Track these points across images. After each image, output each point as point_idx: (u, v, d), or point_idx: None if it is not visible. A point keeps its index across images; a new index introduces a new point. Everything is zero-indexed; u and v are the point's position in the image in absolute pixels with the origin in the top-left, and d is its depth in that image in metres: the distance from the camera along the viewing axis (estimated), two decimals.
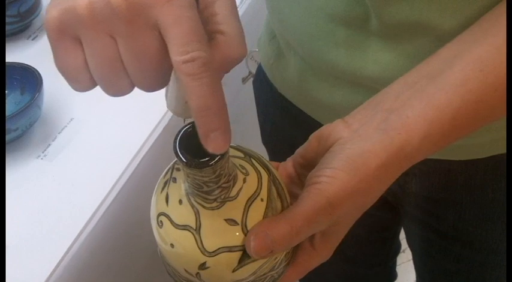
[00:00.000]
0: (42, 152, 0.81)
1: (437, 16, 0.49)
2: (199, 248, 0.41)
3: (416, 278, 0.89)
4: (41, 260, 0.68)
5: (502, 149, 0.61)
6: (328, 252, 0.45)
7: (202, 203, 0.40)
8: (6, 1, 0.92)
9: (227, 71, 0.39)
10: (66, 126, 0.84)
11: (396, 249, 0.96)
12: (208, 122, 0.35)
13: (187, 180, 0.40)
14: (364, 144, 0.41)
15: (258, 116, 0.83)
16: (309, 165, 0.45)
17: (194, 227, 0.41)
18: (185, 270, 0.42)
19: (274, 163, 0.48)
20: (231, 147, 0.41)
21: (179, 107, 0.39)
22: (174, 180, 0.43)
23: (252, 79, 0.83)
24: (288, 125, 0.75)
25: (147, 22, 0.34)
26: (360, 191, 0.41)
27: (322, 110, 0.65)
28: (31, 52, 0.95)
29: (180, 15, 0.34)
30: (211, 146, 0.36)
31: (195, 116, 0.35)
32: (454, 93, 0.42)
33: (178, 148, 0.38)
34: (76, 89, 0.38)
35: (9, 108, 0.83)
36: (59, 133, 0.83)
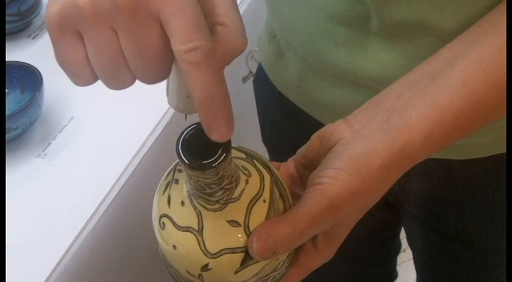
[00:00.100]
0: (43, 151, 0.81)
1: (437, 16, 0.49)
2: (201, 250, 0.41)
3: (417, 277, 0.89)
4: (41, 260, 0.68)
5: (502, 148, 0.61)
6: (331, 253, 0.45)
7: (205, 204, 0.40)
8: (7, 0, 0.92)
9: (228, 63, 0.39)
10: (66, 125, 0.84)
11: (396, 249, 0.96)
12: (212, 111, 0.35)
13: (190, 181, 0.40)
14: (366, 145, 0.41)
15: (258, 115, 0.83)
16: (310, 166, 0.45)
17: (196, 229, 0.41)
18: (187, 271, 0.42)
19: (276, 163, 0.48)
20: (233, 148, 0.41)
21: (180, 102, 0.39)
22: (176, 181, 0.42)
23: (252, 78, 0.83)
24: (288, 125, 0.75)
25: (149, 14, 0.34)
26: (362, 191, 0.41)
27: (323, 109, 0.64)
28: (31, 51, 0.95)
29: (181, 5, 0.34)
30: (215, 134, 0.36)
31: (198, 105, 0.35)
32: (456, 94, 0.42)
33: (181, 150, 0.38)
34: (77, 84, 0.38)
35: (10, 107, 0.83)
36: (59, 132, 0.83)
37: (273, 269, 0.43)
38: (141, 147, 0.80)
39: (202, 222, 0.41)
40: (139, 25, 0.34)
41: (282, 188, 0.44)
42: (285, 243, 0.40)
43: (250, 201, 0.41)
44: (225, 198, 0.40)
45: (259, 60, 0.77)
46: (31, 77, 0.82)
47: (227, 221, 0.41)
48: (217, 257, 0.41)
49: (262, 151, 0.80)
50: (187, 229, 0.41)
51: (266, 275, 0.43)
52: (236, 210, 0.41)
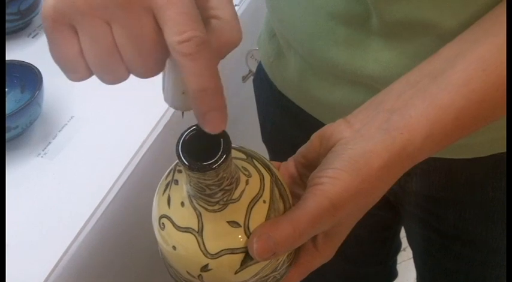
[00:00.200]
0: (42, 150, 0.80)
1: (437, 15, 0.49)
2: (201, 250, 0.41)
3: (417, 276, 0.89)
4: (40, 259, 0.68)
5: (502, 147, 0.61)
6: (331, 253, 0.45)
7: (205, 205, 0.40)
8: None
9: (222, 57, 0.39)
10: (66, 124, 0.84)
11: (397, 248, 0.96)
12: (205, 102, 0.35)
13: (190, 183, 0.40)
14: (366, 145, 0.41)
15: (258, 114, 0.83)
16: (311, 166, 0.45)
17: (196, 230, 0.41)
18: (187, 272, 0.42)
19: (276, 163, 0.48)
20: (233, 148, 0.41)
21: (176, 98, 0.39)
22: (176, 182, 0.42)
23: (252, 77, 0.83)
24: (288, 124, 0.74)
25: (142, 6, 0.34)
26: (362, 191, 0.41)
27: (323, 108, 0.64)
28: (31, 50, 0.95)
29: None
30: (208, 126, 0.36)
31: (192, 96, 0.35)
32: (457, 93, 0.42)
33: (181, 152, 0.38)
34: (72, 79, 0.38)
35: (9, 106, 0.83)
36: (59, 131, 0.83)
37: (273, 269, 0.43)
38: (141, 147, 0.80)
39: (202, 223, 0.41)
40: (133, 17, 0.35)
41: (282, 188, 0.44)
42: (285, 243, 0.40)
43: (250, 202, 0.41)
44: (225, 199, 0.40)
45: (259, 59, 0.77)
46: (31, 76, 0.82)
47: (227, 222, 0.41)
48: (217, 257, 0.41)
49: (262, 150, 0.80)
50: (187, 230, 0.41)
51: (266, 275, 0.43)
52: (236, 211, 0.41)
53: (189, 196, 0.41)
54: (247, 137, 0.86)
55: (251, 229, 0.41)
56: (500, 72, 0.42)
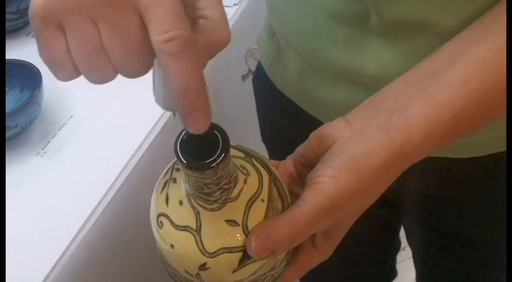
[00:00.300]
0: (42, 150, 0.80)
1: (437, 14, 0.49)
2: (199, 249, 0.41)
3: (416, 276, 0.89)
4: (40, 258, 0.68)
5: (502, 147, 0.61)
6: (329, 252, 0.45)
7: (203, 204, 0.40)
8: None
9: (211, 57, 0.39)
10: (65, 123, 0.84)
11: (396, 247, 0.96)
12: (189, 102, 0.35)
13: (188, 181, 0.40)
14: (366, 144, 0.41)
15: (258, 114, 0.83)
16: (309, 165, 0.45)
17: (194, 228, 0.41)
18: (185, 270, 0.42)
19: (274, 162, 0.48)
20: (232, 147, 0.41)
21: (167, 99, 0.39)
22: (174, 180, 0.42)
23: (251, 76, 0.83)
24: (287, 124, 0.74)
25: (128, 5, 0.34)
26: (361, 191, 0.41)
27: (322, 108, 0.64)
28: (30, 49, 0.95)
29: None
30: (191, 126, 0.36)
31: (175, 96, 0.35)
32: (456, 93, 0.42)
33: (179, 150, 0.37)
34: (60, 78, 0.38)
35: (9, 105, 0.83)
36: (58, 130, 0.83)
37: (271, 268, 0.43)
38: (140, 146, 0.80)
39: (200, 222, 0.41)
40: (120, 16, 0.35)
41: (281, 187, 0.44)
42: (284, 243, 0.40)
43: (248, 201, 0.41)
44: (223, 198, 0.40)
45: (259, 59, 0.77)
46: (30, 75, 0.82)
47: (225, 221, 0.41)
48: (215, 256, 0.41)
49: (262, 150, 0.80)
50: (185, 228, 0.41)
51: (264, 274, 0.43)
52: (234, 210, 0.41)
53: (188, 195, 0.41)
54: (246, 136, 0.86)
55: (249, 228, 0.41)
56: (499, 72, 0.42)
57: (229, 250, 0.41)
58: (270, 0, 0.65)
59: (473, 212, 0.69)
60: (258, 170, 0.43)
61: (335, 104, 0.61)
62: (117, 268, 0.81)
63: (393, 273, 0.99)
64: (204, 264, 0.41)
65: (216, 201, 0.40)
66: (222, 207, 0.40)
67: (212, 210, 0.40)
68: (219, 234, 0.41)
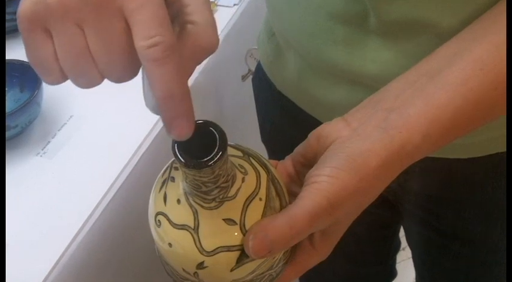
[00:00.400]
0: (42, 150, 0.81)
1: (436, 14, 0.49)
2: (197, 248, 0.41)
3: (416, 276, 0.89)
4: (40, 258, 0.68)
5: (502, 147, 0.61)
6: (328, 251, 0.45)
7: (201, 202, 0.40)
8: None
9: (199, 62, 0.39)
10: (65, 123, 0.84)
11: (396, 247, 0.96)
12: (171, 108, 0.35)
13: (186, 180, 0.40)
14: (364, 143, 0.41)
15: (258, 114, 0.83)
16: (308, 164, 0.45)
17: (192, 227, 0.41)
18: (183, 269, 0.42)
19: (273, 161, 0.48)
20: (230, 146, 0.41)
21: (156, 103, 0.39)
22: (173, 179, 0.42)
23: (251, 77, 0.83)
24: (287, 124, 0.74)
25: (113, 10, 0.34)
26: (360, 190, 0.41)
27: (322, 108, 0.64)
28: None
29: (143, 1, 0.34)
30: (174, 133, 0.36)
31: (159, 102, 0.35)
32: (455, 92, 0.41)
33: (177, 148, 0.38)
34: (48, 82, 0.38)
35: (9, 105, 0.83)
36: (58, 130, 0.83)
37: (269, 267, 0.43)
38: (140, 146, 0.80)
39: (198, 220, 0.41)
40: (105, 21, 0.35)
41: (279, 186, 0.44)
42: (281, 241, 0.40)
43: (246, 200, 0.41)
44: (221, 197, 0.40)
45: (259, 59, 0.77)
46: (30, 76, 0.82)
47: (223, 219, 0.41)
48: (213, 255, 0.41)
49: (262, 150, 0.80)
50: (183, 227, 0.41)
51: (262, 273, 0.43)
52: (232, 209, 0.41)
53: (185, 193, 0.41)
54: (246, 137, 0.86)
55: (247, 227, 0.41)
56: (498, 71, 0.42)
57: (227, 249, 0.41)
58: (269, 0, 0.65)
59: (473, 212, 0.69)
60: (256, 169, 0.43)
61: (334, 104, 0.61)
62: (117, 268, 0.81)
63: (393, 273, 0.99)
64: (202, 263, 0.41)
65: (213, 199, 0.40)
66: (220, 206, 0.40)
67: (210, 208, 0.40)
68: (217, 232, 0.40)
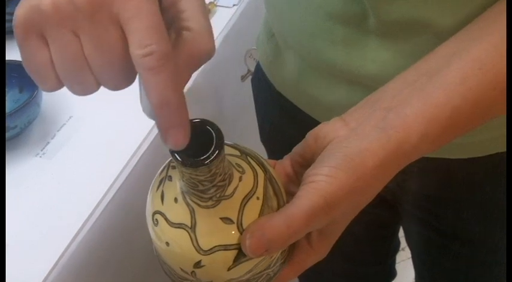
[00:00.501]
0: (41, 150, 0.81)
1: (435, 14, 0.49)
2: (194, 247, 0.41)
3: (416, 276, 0.89)
4: (39, 258, 0.68)
5: (501, 147, 0.61)
6: (325, 250, 0.45)
7: (198, 201, 0.40)
8: None
9: (195, 69, 0.39)
10: (65, 124, 0.84)
11: (395, 247, 0.96)
12: (167, 117, 0.35)
13: (183, 178, 0.40)
14: (361, 143, 0.41)
15: (257, 114, 0.83)
16: (307, 164, 0.45)
17: (189, 226, 0.41)
18: (181, 268, 0.42)
19: (271, 161, 0.48)
20: (227, 145, 0.41)
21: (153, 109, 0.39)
22: (170, 178, 0.42)
23: (250, 77, 0.83)
24: (286, 124, 0.74)
25: (109, 17, 0.35)
26: (357, 189, 0.41)
27: (321, 108, 0.64)
28: None
29: (139, 9, 0.34)
30: (170, 142, 0.36)
31: (154, 111, 0.35)
32: (453, 92, 0.41)
33: None
34: (43, 89, 0.39)
35: (8, 106, 0.83)
36: (57, 131, 0.83)
37: (267, 266, 0.43)
38: (140, 146, 0.80)
39: (195, 219, 0.41)
40: (100, 28, 0.35)
41: (276, 185, 0.44)
42: (279, 241, 0.40)
43: (243, 199, 0.41)
44: (218, 195, 0.40)
45: (258, 59, 0.77)
46: (29, 76, 0.81)
47: (220, 218, 0.41)
48: (210, 253, 0.41)
49: (261, 150, 0.80)
50: (180, 226, 0.41)
51: (259, 272, 0.43)
52: (229, 207, 0.41)
53: (182, 192, 0.41)
54: (245, 137, 0.86)
55: (244, 226, 0.41)
56: (496, 71, 0.42)
57: (224, 248, 0.41)
58: (269, 0, 0.65)
59: (472, 212, 0.69)
60: (254, 168, 0.43)
61: (333, 104, 0.62)
62: (116, 268, 0.81)
63: (392, 274, 0.99)
64: (199, 262, 0.41)
65: (210, 198, 0.40)
66: (217, 205, 0.40)
67: (207, 207, 0.40)
68: (214, 231, 0.40)
